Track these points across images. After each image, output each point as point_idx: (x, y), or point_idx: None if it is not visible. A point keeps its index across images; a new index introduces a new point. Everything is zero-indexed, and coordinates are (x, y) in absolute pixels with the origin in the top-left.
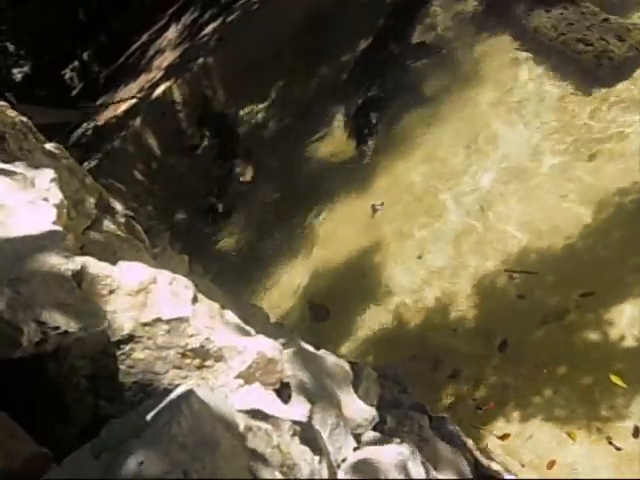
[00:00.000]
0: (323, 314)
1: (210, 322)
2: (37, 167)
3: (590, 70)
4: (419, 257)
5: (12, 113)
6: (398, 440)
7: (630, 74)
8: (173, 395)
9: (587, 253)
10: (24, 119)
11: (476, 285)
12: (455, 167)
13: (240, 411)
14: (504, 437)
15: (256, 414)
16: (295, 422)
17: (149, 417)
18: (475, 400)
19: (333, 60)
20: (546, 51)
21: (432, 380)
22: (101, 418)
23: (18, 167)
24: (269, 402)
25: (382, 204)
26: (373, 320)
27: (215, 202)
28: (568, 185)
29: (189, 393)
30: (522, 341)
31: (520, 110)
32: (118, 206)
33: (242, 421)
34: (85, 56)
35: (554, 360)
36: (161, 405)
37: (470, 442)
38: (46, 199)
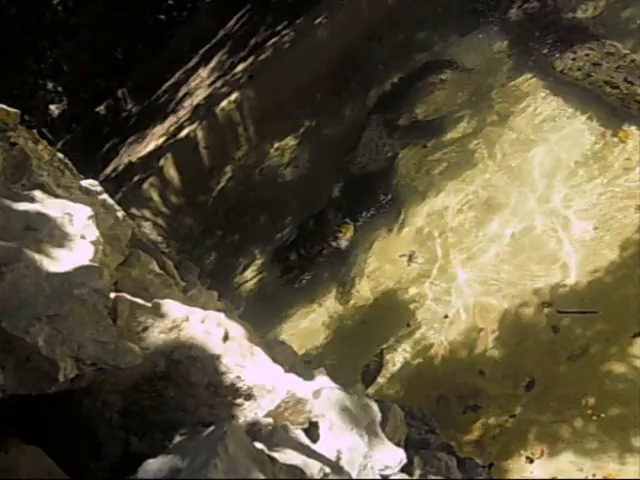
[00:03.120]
0: (375, 372)
1: (240, 360)
2: (74, 204)
3: (618, 112)
4: (445, 316)
5: (50, 150)
6: None
7: None
8: (207, 434)
9: (616, 291)
10: (61, 155)
11: (506, 321)
12: (488, 205)
13: (271, 451)
14: None
15: (286, 455)
16: (324, 463)
17: (185, 458)
18: (494, 439)
19: (363, 99)
20: (574, 92)
21: (460, 419)
22: (132, 454)
23: (57, 204)
24: (298, 442)
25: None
26: (399, 357)
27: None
28: (596, 223)
29: (224, 434)
30: (552, 379)
31: (549, 152)
32: (150, 242)
33: (273, 462)
34: (119, 94)
35: (586, 397)
36: (196, 445)
37: None
38: (83, 236)
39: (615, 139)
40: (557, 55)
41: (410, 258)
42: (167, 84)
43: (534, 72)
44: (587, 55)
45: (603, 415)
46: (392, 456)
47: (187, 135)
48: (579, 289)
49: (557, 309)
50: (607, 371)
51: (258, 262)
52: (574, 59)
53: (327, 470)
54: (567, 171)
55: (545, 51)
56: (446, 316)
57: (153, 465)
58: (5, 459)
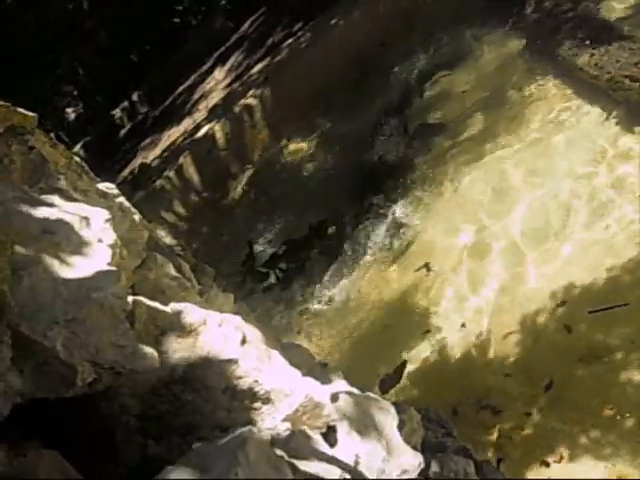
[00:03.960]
0: (394, 380)
1: (258, 364)
2: (92, 207)
3: (637, 108)
4: (463, 324)
5: (67, 153)
6: None
7: None
8: (227, 441)
9: (635, 291)
10: (78, 159)
11: (523, 323)
12: (503, 205)
13: (290, 457)
14: None
15: (305, 461)
16: (343, 468)
17: (205, 465)
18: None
19: (378, 100)
20: (592, 90)
21: (477, 421)
22: (149, 458)
23: (74, 208)
24: (316, 447)
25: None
26: (416, 358)
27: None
28: (615, 224)
29: (245, 441)
30: (570, 382)
31: (567, 150)
32: (166, 244)
33: (293, 469)
34: (135, 97)
35: (605, 401)
36: (216, 452)
37: None
38: (101, 240)
39: (633, 136)
40: (575, 52)
41: (428, 268)
42: (182, 87)
43: (552, 70)
44: (606, 51)
45: (622, 420)
46: (410, 460)
47: (203, 137)
48: (596, 290)
49: (587, 310)
50: (628, 374)
51: (276, 263)
52: (592, 55)
53: (347, 476)
54: (584, 169)
55: (562, 48)
56: (463, 325)
57: (174, 471)
58: (23, 463)
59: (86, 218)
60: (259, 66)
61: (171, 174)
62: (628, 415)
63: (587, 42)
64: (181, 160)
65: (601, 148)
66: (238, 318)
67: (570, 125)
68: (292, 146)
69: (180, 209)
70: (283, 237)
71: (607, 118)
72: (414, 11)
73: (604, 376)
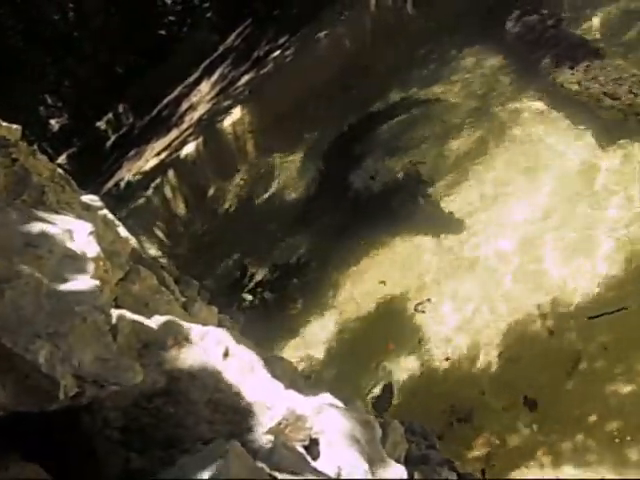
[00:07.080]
0: (387, 402)
1: (240, 377)
2: (75, 220)
3: (617, 125)
4: (449, 340)
5: (51, 166)
6: None
7: None
8: (210, 453)
9: (619, 304)
10: (61, 171)
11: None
12: (487, 219)
13: (271, 470)
14: None
15: (287, 473)
16: None
17: (187, 476)
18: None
19: (362, 114)
20: (572, 106)
21: (460, 434)
22: (131, 471)
23: (57, 220)
24: (298, 460)
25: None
26: (401, 370)
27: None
28: (595, 241)
29: (226, 453)
30: (554, 393)
31: (546, 168)
32: (150, 257)
33: None
34: (120, 108)
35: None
36: (198, 464)
37: None
38: (84, 253)
39: (615, 151)
40: (556, 69)
41: (420, 305)
42: (168, 99)
43: (533, 86)
44: (586, 68)
45: (605, 429)
46: (393, 472)
47: (188, 150)
48: (579, 303)
49: (586, 316)
50: (610, 382)
51: (258, 280)
52: (573, 73)
53: None
54: (568, 186)
55: (544, 65)
56: (450, 340)
57: None
58: (5, 476)
59: (69, 231)
60: (245, 79)
61: (155, 187)
62: (610, 424)
63: (568, 59)
64: (166, 173)
65: (585, 163)
66: (221, 331)
67: (551, 141)
68: (277, 160)
69: (164, 223)
70: (268, 261)
71: (588, 134)
72: (399, 26)
73: (587, 384)
